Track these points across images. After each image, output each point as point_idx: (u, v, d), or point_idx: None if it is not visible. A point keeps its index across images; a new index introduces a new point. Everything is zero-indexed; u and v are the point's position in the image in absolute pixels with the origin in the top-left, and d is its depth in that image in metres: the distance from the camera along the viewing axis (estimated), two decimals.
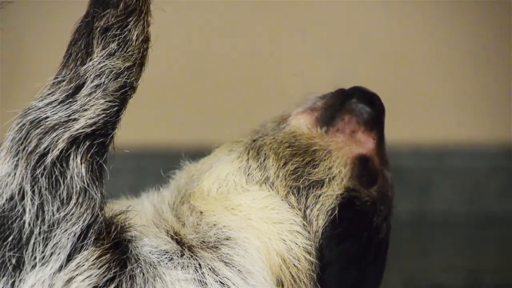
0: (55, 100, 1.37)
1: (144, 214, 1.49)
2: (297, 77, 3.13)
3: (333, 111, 1.57)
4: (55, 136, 1.35)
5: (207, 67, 3.09)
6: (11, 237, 1.33)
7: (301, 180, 1.50)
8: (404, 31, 3.13)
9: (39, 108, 1.36)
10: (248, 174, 1.51)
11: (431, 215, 3.09)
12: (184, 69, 3.09)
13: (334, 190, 1.50)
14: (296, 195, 1.49)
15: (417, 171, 3.06)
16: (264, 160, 1.52)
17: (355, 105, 1.58)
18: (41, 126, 1.35)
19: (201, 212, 1.48)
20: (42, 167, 1.34)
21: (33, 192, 1.34)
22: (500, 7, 3.07)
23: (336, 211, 1.49)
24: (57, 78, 1.39)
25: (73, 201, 1.35)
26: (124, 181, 2.97)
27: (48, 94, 1.37)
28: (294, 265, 1.46)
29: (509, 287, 2.62)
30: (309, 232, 1.48)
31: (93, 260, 1.35)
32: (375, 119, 1.57)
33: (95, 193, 1.36)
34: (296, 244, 1.47)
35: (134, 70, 1.40)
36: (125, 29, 1.39)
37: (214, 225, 1.46)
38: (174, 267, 1.40)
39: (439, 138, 3.11)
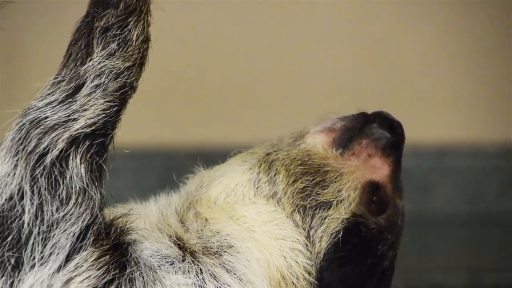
0: (55, 100, 1.37)
1: (148, 218, 1.49)
2: (297, 77, 3.13)
3: (352, 134, 1.55)
4: (54, 136, 1.35)
5: (207, 67, 3.09)
6: (10, 237, 1.33)
7: (308, 200, 1.49)
8: (404, 31, 3.13)
9: (39, 108, 1.36)
10: (257, 187, 1.51)
11: (431, 215, 3.09)
12: (184, 69, 3.09)
13: (340, 213, 1.48)
14: (302, 214, 1.48)
15: (417, 171, 3.06)
16: (275, 175, 1.51)
17: (374, 130, 1.55)
18: (40, 126, 1.35)
19: (206, 219, 1.48)
20: (42, 167, 1.34)
21: (32, 192, 1.34)
22: (500, 7, 3.07)
23: (340, 235, 1.48)
24: (57, 78, 1.39)
25: (72, 201, 1.35)
26: (124, 181, 2.97)
27: (48, 94, 1.37)
28: (293, 283, 1.45)
29: (509, 287, 2.62)
30: (311, 253, 1.47)
31: (92, 261, 1.35)
32: (393, 146, 1.55)
33: (95, 193, 1.36)
34: (297, 262, 1.46)
35: (134, 70, 1.40)
36: (125, 29, 1.39)
37: (218, 232, 1.46)
38: (175, 271, 1.40)
39: (439, 138, 3.11)
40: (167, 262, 1.40)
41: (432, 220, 3.08)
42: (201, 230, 1.47)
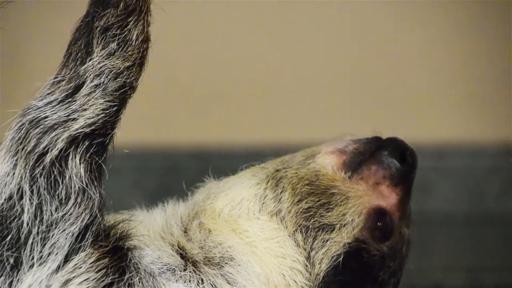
0: (55, 100, 1.37)
1: (152, 227, 1.49)
2: (297, 77, 3.13)
3: (363, 158, 1.54)
4: (54, 136, 1.35)
5: (207, 67, 3.09)
6: (9, 236, 1.33)
7: (311, 221, 1.48)
8: (404, 31, 3.13)
9: (39, 108, 1.36)
10: (262, 203, 1.50)
11: (431, 215, 3.09)
12: (184, 69, 3.09)
13: (343, 237, 1.48)
14: (304, 234, 1.48)
15: (417, 171, 3.06)
16: (281, 192, 1.51)
17: (385, 158, 1.54)
18: (40, 125, 1.35)
19: (210, 230, 1.49)
20: (41, 167, 1.34)
21: (32, 191, 1.34)
22: (500, 7, 3.07)
23: (341, 259, 1.47)
24: (57, 77, 1.38)
25: (72, 201, 1.34)
26: (124, 181, 2.97)
27: (48, 94, 1.37)
28: None
29: (509, 287, 2.62)
30: (310, 274, 1.47)
31: (91, 263, 1.35)
32: (402, 175, 1.54)
33: (94, 193, 1.36)
34: (295, 281, 1.46)
35: (133, 70, 1.40)
36: (125, 29, 1.39)
37: (220, 244, 1.47)
38: (176, 280, 1.40)
39: (439, 138, 3.11)
40: (168, 270, 1.41)
41: (432, 220, 3.08)
42: (204, 240, 1.47)
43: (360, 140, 1.57)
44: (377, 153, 1.54)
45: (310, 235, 1.48)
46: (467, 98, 3.14)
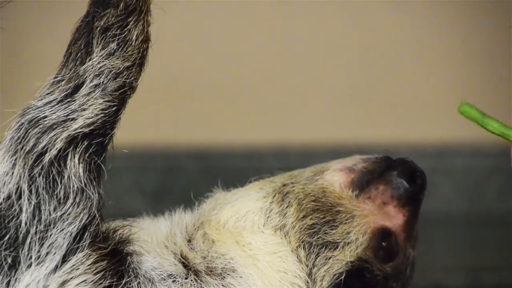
0: (54, 100, 1.37)
1: (156, 235, 1.49)
2: (297, 77, 3.13)
3: (371, 177, 1.53)
4: (53, 136, 1.35)
5: (207, 67, 3.09)
6: (8, 236, 1.33)
7: (315, 237, 1.48)
8: (404, 31, 3.13)
9: (38, 108, 1.36)
10: (267, 217, 1.50)
11: (431, 215, 3.09)
12: (184, 69, 3.09)
13: (345, 255, 1.47)
14: (307, 250, 1.47)
15: None
16: (287, 207, 1.50)
17: (394, 178, 1.53)
18: (39, 125, 1.35)
19: (213, 241, 1.49)
20: (40, 167, 1.34)
21: (30, 191, 1.34)
22: (500, 7, 3.07)
23: (343, 277, 1.46)
24: (57, 77, 1.39)
25: (70, 200, 1.35)
26: (124, 181, 2.97)
27: (47, 94, 1.37)
28: None
29: (509, 287, 2.62)
30: None
31: (89, 265, 1.35)
32: (410, 196, 1.53)
33: (92, 193, 1.36)
34: None
35: (133, 70, 1.40)
36: (125, 29, 1.39)
37: (223, 255, 1.46)
38: None
39: (439, 138, 3.11)
40: (169, 277, 1.41)
41: (432, 220, 3.08)
42: (207, 250, 1.47)
43: (370, 159, 1.56)
44: (386, 173, 1.53)
45: (313, 251, 1.47)
46: (467, 98, 3.14)
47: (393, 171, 1.53)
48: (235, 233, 1.49)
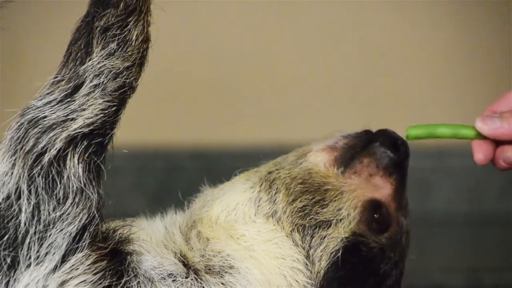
0: (54, 100, 1.37)
1: (154, 234, 1.49)
2: (297, 77, 3.13)
3: (354, 153, 1.54)
4: (52, 136, 1.35)
5: (207, 67, 3.09)
6: (7, 236, 1.33)
7: (307, 219, 1.48)
8: (404, 31, 3.13)
9: (38, 108, 1.36)
10: (257, 206, 1.50)
11: (431, 215, 3.09)
12: (185, 69, 3.09)
13: (340, 232, 1.47)
14: (301, 233, 1.48)
15: (417, 171, 3.06)
16: (275, 193, 1.50)
17: (377, 149, 1.53)
18: (39, 125, 1.35)
19: (208, 239, 1.48)
20: (39, 167, 1.34)
21: (30, 191, 1.34)
22: (500, 7, 3.07)
23: (339, 254, 1.47)
24: (56, 77, 1.38)
25: (70, 200, 1.35)
26: (124, 181, 2.97)
27: (47, 94, 1.37)
28: None
29: (509, 287, 2.62)
30: (311, 272, 1.46)
31: (88, 265, 1.35)
32: (396, 165, 1.53)
33: (92, 193, 1.36)
34: (297, 281, 1.45)
35: (133, 70, 1.40)
36: (125, 29, 1.39)
37: (219, 252, 1.46)
38: (177, 287, 1.40)
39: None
40: (169, 276, 1.41)
41: (432, 220, 3.08)
42: (204, 249, 1.47)
43: (350, 134, 1.57)
44: (368, 146, 1.54)
45: (308, 233, 1.48)
46: (467, 98, 3.14)
47: (375, 143, 1.54)
48: (228, 227, 1.49)
